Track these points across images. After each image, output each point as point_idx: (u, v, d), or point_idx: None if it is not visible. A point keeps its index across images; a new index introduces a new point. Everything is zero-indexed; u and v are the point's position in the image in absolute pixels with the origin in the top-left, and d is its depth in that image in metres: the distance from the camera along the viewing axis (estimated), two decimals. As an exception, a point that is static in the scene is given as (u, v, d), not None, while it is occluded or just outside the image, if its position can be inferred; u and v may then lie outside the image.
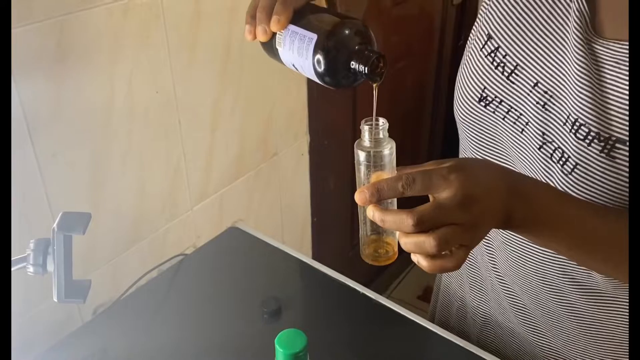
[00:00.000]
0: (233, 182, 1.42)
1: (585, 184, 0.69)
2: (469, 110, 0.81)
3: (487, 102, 0.78)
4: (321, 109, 1.66)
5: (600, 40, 0.69)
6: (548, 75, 0.73)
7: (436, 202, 0.55)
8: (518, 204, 0.59)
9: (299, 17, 0.63)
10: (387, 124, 0.60)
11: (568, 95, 0.71)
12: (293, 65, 0.66)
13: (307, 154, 1.67)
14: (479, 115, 0.80)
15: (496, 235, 0.87)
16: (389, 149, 0.60)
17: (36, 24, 0.92)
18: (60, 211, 1.01)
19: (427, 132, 2.42)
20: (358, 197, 0.57)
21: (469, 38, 0.83)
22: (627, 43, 0.67)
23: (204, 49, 1.21)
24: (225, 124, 1.33)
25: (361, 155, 0.60)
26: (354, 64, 0.60)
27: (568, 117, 0.71)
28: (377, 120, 0.60)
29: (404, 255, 0.60)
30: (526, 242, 0.82)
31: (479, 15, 0.82)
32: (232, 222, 1.22)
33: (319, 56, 0.60)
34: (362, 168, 0.60)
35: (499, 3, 0.78)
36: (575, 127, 0.70)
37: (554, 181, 0.72)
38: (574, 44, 0.70)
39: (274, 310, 0.98)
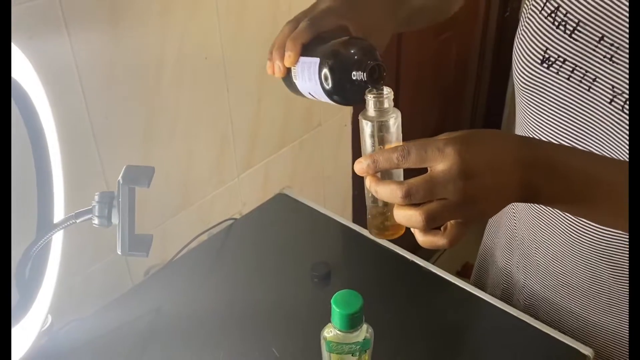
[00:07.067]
0: (278, 152, 1.42)
1: None
2: (531, 74, 0.79)
3: (550, 62, 0.77)
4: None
5: None
6: (613, 27, 0.71)
7: (429, 174, 0.53)
8: (542, 176, 0.56)
9: (308, 48, 0.66)
10: (392, 94, 0.59)
11: None
12: (309, 94, 0.69)
13: (350, 126, 1.66)
14: (542, 77, 0.78)
15: (545, 212, 0.86)
16: (393, 119, 0.59)
17: (91, -14, 0.93)
18: (112, 175, 1.03)
19: (470, 104, 2.39)
20: (356, 167, 0.57)
21: (524, 3, 0.82)
22: None
23: (252, 16, 1.21)
24: (271, 93, 1.33)
25: (365, 125, 0.59)
26: (354, 74, 0.62)
27: None
28: (382, 89, 0.59)
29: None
30: (581, 220, 0.81)
31: None
32: (279, 189, 1.23)
33: (323, 75, 0.64)
34: (367, 138, 0.59)
35: None
36: None
37: (627, 134, 0.71)
38: None
39: (324, 274, 0.99)
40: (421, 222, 0.53)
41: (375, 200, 0.61)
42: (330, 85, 0.64)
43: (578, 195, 0.57)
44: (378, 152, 0.56)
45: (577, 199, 0.57)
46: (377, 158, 0.55)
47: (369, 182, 0.57)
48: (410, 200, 0.53)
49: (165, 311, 0.96)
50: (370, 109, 0.59)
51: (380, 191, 0.55)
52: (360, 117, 0.59)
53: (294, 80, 0.69)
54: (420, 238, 0.56)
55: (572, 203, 0.58)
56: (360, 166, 0.56)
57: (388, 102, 0.58)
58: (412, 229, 0.57)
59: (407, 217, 0.54)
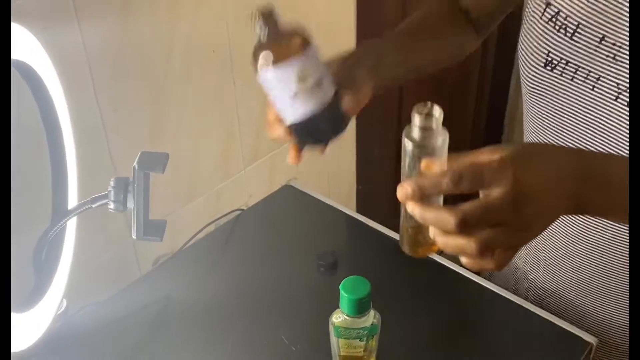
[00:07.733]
0: (283, 145, 1.43)
1: None
2: (536, 77, 0.81)
3: (554, 65, 0.78)
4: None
5: None
6: (613, 27, 0.72)
7: (485, 201, 0.50)
8: (593, 192, 0.54)
9: None
10: (442, 115, 0.53)
11: None
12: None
13: (354, 121, 1.67)
14: (546, 80, 0.80)
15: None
16: (440, 142, 0.53)
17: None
18: (120, 165, 1.05)
19: (473, 101, 2.40)
20: (399, 193, 0.52)
21: (526, 8, 0.83)
22: None
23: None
24: (277, 87, 1.34)
25: (408, 146, 0.53)
26: None
27: None
28: (431, 107, 0.53)
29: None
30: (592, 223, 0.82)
31: None
32: (286, 180, 1.24)
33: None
34: (408, 159, 0.54)
35: None
36: None
37: None
38: None
39: (330, 263, 1.00)
40: (475, 251, 0.50)
41: (410, 217, 0.55)
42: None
43: (622, 203, 0.55)
44: (424, 177, 0.51)
45: (619, 206, 0.56)
46: (423, 184, 0.51)
47: (412, 207, 0.52)
48: (465, 229, 0.49)
49: (173, 300, 0.97)
50: (415, 130, 0.53)
51: (429, 218, 0.51)
52: (403, 136, 0.54)
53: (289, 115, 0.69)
54: (469, 264, 0.53)
55: (615, 210, 0.57)
56: (404, 192, 0.51)
57: (437, 124, 0.53)
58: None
59: (459, 246, 0.51)
